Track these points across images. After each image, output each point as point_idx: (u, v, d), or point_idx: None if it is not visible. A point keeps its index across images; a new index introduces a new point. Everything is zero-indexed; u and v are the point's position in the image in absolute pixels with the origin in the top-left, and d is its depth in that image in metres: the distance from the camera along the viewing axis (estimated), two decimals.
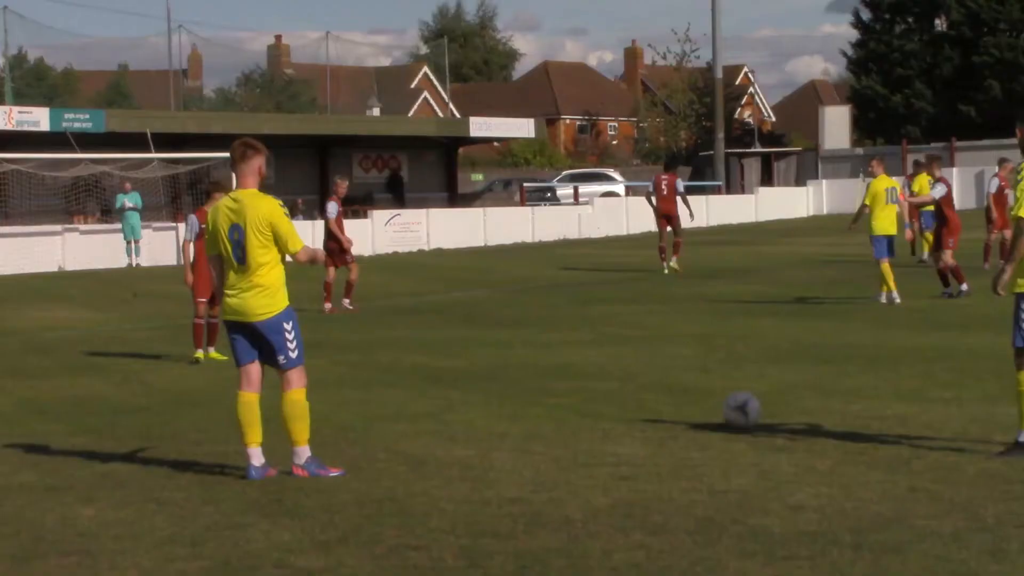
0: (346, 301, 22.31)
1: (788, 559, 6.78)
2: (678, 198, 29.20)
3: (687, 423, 10.68)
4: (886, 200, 20.68)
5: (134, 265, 38.23)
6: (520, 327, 19.14)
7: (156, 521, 7.96)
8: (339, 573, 6.82)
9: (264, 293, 9.05)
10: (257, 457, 9.13)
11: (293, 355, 9.08)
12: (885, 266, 20.18)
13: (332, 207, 22.23)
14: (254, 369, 9.20)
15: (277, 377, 9.18)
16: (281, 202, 9.23)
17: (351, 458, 9.65)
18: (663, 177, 29.41)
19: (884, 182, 20.92)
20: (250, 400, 9.15)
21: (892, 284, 20.12)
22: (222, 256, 9.20)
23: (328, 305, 22.14)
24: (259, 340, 9.12)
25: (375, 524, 7.73)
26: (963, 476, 8.52)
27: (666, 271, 28.64)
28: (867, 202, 20.71)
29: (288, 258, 9.24)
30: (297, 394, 9.10)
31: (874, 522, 7.46)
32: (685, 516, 7.69)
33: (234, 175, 9.30)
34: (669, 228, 28.87)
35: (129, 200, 38.55)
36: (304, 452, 9.12)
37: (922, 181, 25.25)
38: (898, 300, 20.06)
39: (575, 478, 8.78)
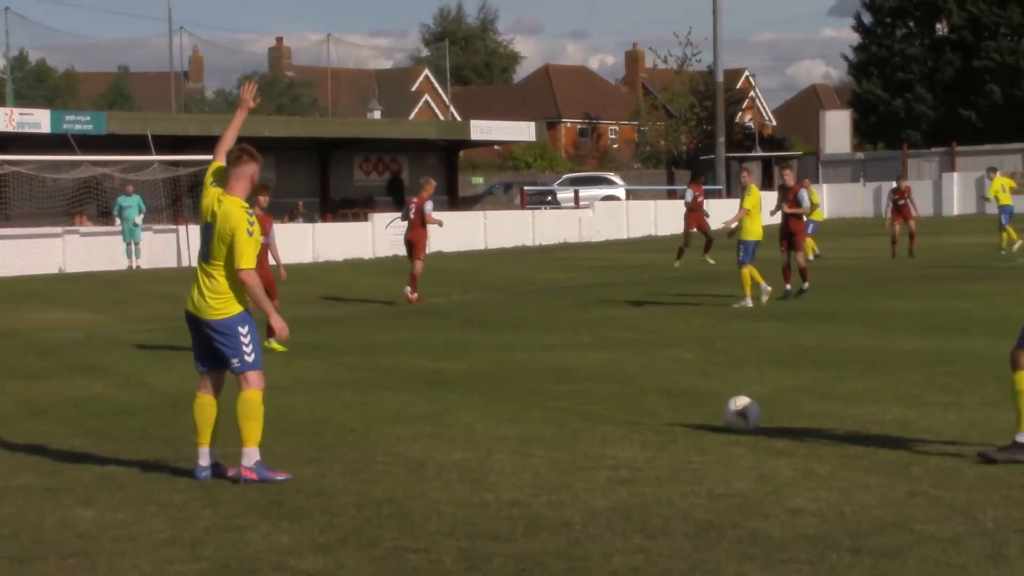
0: (407, 290, 24.56)
1: (787, 563, 6.78)
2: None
3: (687, 426, 10.68)
4: (760, 208, 22.17)
5: (134, 267, 38.22)
6: (520, 330, 19.15)
7: (155, 523, 7.96)
8: (338, 575, 6.82)
9: (217, 297, 9.03)
10: (205, 457, 9.16)
11: (249, 359, 9.03)
12: (748, 271, 21.59)
13: (430, 205, 24.83)
14: (213, 375, 9.22)
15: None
16: (252, 219, 9.12)
17: (350, 461, 9.65)
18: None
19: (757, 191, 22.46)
20: (205, 402, 9.18)
21: (749, 289, 21.48)
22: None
23: (415, 296, 24.44)
24: (210, 343, 9.10)
25: (374, 526, 7.73)
26: (962, 480, 8.52)
27: (676, 265, 32.39)
28: (749, 207, 21.90)
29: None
30: (253, 394, 9.04)
31: (873, 526, 7.46)
32: (684, 519, 7.69)
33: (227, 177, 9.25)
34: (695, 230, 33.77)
35: (131, 209, 38.32)
36: (254, 454, 9.03)
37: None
38: (751, 304, 21.27)
39: (574, 481, 8.78)
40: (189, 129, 46.59)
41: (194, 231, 40.07)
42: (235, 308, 9.05)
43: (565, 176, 67.12)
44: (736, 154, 67.06)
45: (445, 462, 9.53)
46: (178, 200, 42.52)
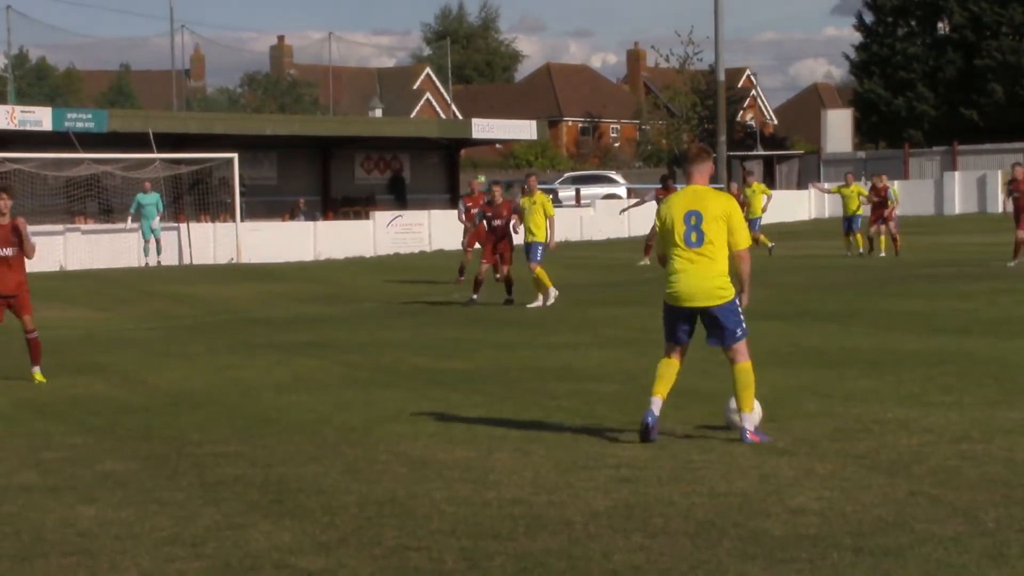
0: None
1: (788, 562, 6.78)
2: None
3: (688, 426, 10.68)
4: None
5: (153, 264, 37.92)
6: (521, 329, 19.14)
7: (157, 521, 7.96)
8: (339, 574, 6.82)
9: None
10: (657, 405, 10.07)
11: None
12: (543, 270, 22.75)
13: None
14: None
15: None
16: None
17: (352, 459, 9.65)
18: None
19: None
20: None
21: (550, 283, 22.82)
22: None
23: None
24: None
25: (376, 525, 7.73)
26: (964, 480, 8.51)
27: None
28: (551, 214, 23.51)
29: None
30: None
31: (874, 526, 7.46)
32: (685, 519, 7.69)
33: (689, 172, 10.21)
34: None
35: (150, 207, 38.18)
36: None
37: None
38: (551, 302, 22.53)
39: (576, 480, 8.78)
40: (190, 127, 46.63)
41: (195, 229, 40.14)
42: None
43: (566, 175, 67.14)
44: (737, 153, 67.07)
45: (446, 461, 9.53)
46: (180, 198, 42.51)
